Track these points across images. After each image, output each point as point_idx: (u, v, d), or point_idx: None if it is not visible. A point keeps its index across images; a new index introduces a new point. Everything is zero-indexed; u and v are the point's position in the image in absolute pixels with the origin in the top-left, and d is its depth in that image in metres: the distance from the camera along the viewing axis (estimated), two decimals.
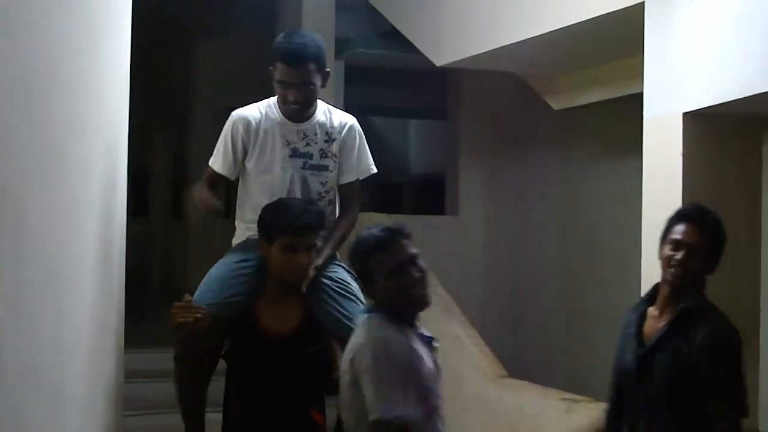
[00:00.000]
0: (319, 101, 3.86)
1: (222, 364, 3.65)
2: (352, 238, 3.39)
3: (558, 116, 8.82)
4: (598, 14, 6.02)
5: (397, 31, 8.76)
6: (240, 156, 3.78)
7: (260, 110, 3.80)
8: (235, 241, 3.86)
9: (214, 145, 3.87)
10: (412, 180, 14.67)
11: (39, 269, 2.05)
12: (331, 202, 3.86)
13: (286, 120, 3.79)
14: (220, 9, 10.40)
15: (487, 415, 6.74)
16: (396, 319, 3.07)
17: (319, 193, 3.81)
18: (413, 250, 3.09)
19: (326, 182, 3.83)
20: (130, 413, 5.44)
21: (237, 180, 3.90)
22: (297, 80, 3.68)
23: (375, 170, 4.01)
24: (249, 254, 3.67)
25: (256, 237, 3.62)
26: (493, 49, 7.21)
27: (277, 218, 3.50)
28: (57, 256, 2.31)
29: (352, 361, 3.01)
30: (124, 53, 3.89)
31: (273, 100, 3.84)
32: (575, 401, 6.11)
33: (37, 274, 2.03)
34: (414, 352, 3.03)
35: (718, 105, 4.84)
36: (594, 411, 5.93)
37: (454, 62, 7.98)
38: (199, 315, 3.44)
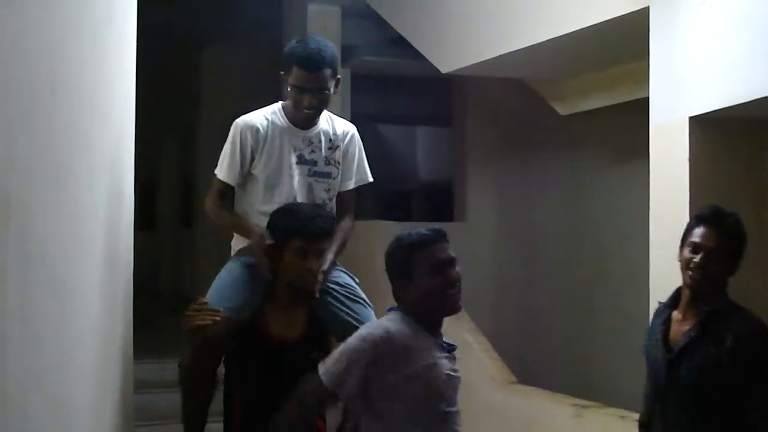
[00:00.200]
0: None
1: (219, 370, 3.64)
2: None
3: (564, 121, 8.82)
4: (603, 19, 6.03)
5: (402, 38, 8.77)
6: (247, 163, 3.78)
7: (266, 117, 3.81)
8: (237, 245, 3.85)
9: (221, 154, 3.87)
10: (421, 187, 14.66)
11: (45, 280, 2.05)
12: (332, 209, 3.88)
13: (293, 126, 3.81)
14: (226, 18, 10.43)
15: (496, 421, 6.74)
16: (418, 322, 3.11)
17: (323, 201, 3.83)
18: (453, 254, 3.16)
19: (329, 189, 3.86)
20: (140, 424, 5.45)
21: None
22: (314, 85, 3.69)
23: (371, 179, 4.04)
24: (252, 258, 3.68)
25: None
26: (498, 56, 7.22)
27: (290, 223, 3.50)
28: (63, 266, 2.31)
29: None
30: (130, 63, 3.90)
31: (277, 106, 3.85)
32: (584, 407, 6.10)
33: (44, 285, 2.04)
34: (417, 354, 3.05)
35: (724, 109, 4.84)
36: (603, 416, 5.93)
37: (460, 69, 7.99)
38: (217, 318, 3.43)
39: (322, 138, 3.85)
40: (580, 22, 6.25)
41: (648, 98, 5.41)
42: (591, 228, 9.30)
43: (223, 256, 3.99)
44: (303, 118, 3.79)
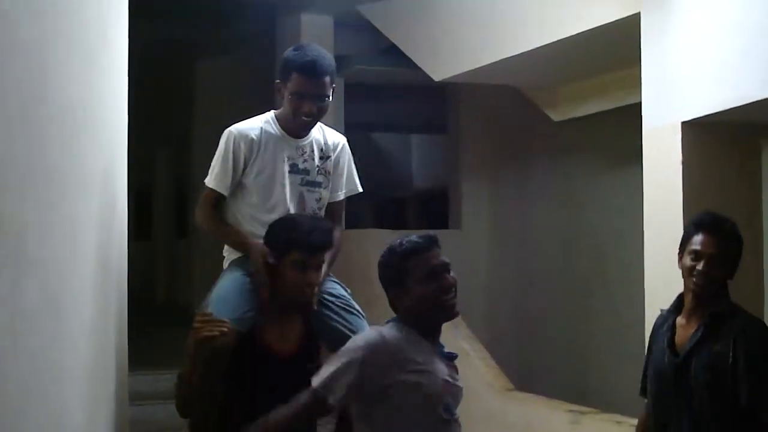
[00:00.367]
0: None
1: None
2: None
3: (558, 128, 8.85)
4: (595, 25, 6.05)
5: (395, 47, 8.79)
6: (240, 172, 3.75)
7: (258, 125, 3.79)
8: (229, 254, 3.84)
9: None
10: (415, 195, 14.67)
11: (39, 293, 2.05)
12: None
13: (286, 135, 3.80)
14: (220, 29, 10.45)
15: (494, 429, 6.74)
16: (416, 330, 3.11)
17: (314, 210, 3.83)
18: (447, 260, 3.16)
19: (320, 199, 3.86)
20: None
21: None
22: (315, 92, 3.69)
23: (361, 189, 4.04)
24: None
25: None
26: (490, 63, 7.25)
27: (289, 235, 3.49)
28: (57, 279, 2.31)
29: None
30: (122, 75, 3.90)
31: (270, 115, 3.84)
32: (582, 413, 6.11)
33: (37, 299, 2.03)
34: (412, 359, 3.05)
35: (716, 113, 4.86)
36: (600, 422, 5.94)
37: (453, 77, 8.01)
38: (224, 329, 3.40)
39: (315, 147, 3.85)
40: (572, 28, 6.27)
41: (640, 103, 5.43)
42: (586, 233, 9.31)
43: (217, 266, 3.98)
44: (300, 126, 3.78)
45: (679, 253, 3.68)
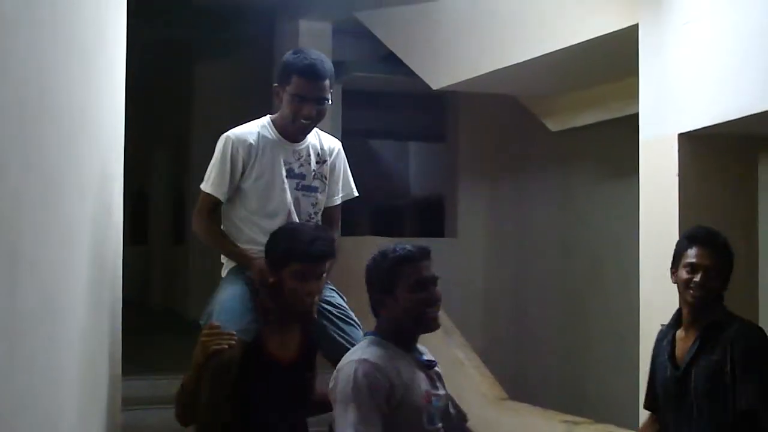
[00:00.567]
0: None
1: None
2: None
3: (555, 137, 8.86)
4: (593, 36, 6.06)
5: (393, 54, 8.80)
6: (237, 177, 3.73)
7: (255, 130, 3.78)
8: (228, 262, 3.81)
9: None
10: (412, 203, 14.68)
11: (34, 298, 2.05)
12: (318, 223, 3.87)
13: (283, 140, 3.79)
14: (218, 33, 10.46)
15: None
16: (395, 342, 3.09)
17: (309, 215, 3.82)
18: (436, 274, 3.17)
19: (316, 203, 3.85)
20: None
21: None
22: (315, 95, 3.68)
23: (357, 193, 4.04)
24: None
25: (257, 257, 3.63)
26: (488, 72, 7.25)
27: (289, 245, 3.48)
28: (52, 284, 2.31)
29: (332, 380, 3.07)
30: (120, 79, 3.90)
31: (266, 119, 3.83)
32: (576, 423, 6.11)
33: (32, 303, 2.03)
34: (397, 378, 3.03)
35: (713, 126, 4.87)
36: None
37: (451, 85, 8.02)
38: (232, 341, 3.39)
39: (311, 152, 3.84)
40: (570, 39, 6.28)
41: (638, 114, 5.44)
42: (582, 243, 9.32)
43: (214, 271, 3.97)
44: (299, 129, 3.76)
45: (672, 268, 3.75)
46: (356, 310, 3.82)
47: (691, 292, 3.62)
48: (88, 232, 2.99)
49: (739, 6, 4.74)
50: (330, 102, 3.77)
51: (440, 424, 3.14)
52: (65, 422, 2.52)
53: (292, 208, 3.76)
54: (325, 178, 3.88)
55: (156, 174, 14.73)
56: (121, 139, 4.01)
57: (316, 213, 3.86)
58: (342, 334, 3.68)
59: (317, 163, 3.86)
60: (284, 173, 3.77)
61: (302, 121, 3.72)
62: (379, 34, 8.94)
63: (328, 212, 3.94)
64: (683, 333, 3.71)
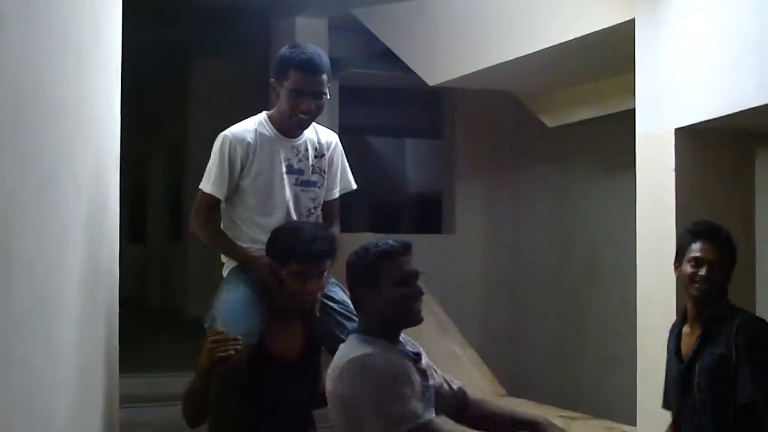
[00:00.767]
0: None
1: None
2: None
3: (552, 133, 8.86)
4: (590, 32, 6.06)
5: (390, 51, 8.80)
6: (236, 176, 3.73)
7: (252, 127, 3.77)
8: (229, 261, 3.80)
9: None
10: (409, 199, 14.69)
11: (29, 297, 2.05)
12: (318, 219, 3.87)
13: (280, 136, 3.78)
14: (214, 32, 10.45)
15: None
16: (380, 337, 3.09)
17: (309, 210, 3.81)
18: (417, 268, 3.16)
19: (315, 198, 3.85)
20: None
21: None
22: (313, 89, 3.68)
23: (355, 186, 4.03)
24: (253, 276, 3.65)
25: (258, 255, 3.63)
26: (485, 68, 7.25)
27: (289, 245, 3.48)
28: (47, 284, 2.30)
29: (336, 382, 3.02)
30: (115, 79, 3.89)
31: (262, 116, 3.82)
32: (573, 419, 6.11)
33: (27, 302, 2.03)
34: (405, 362, 3.05)
35: (710, 120, 4.87)
36: (591, 428, 5.94)
37: (447, 81, 8.02)
38: (238, 347, 3.38)
39: (309, 147, 3.84)
40: (567, 34, 6.28)
41: (634, 110, 5.44)
42: (579, 239, 9.32)
43: (212, 269, 3.97)
44: (297, 124, 3.76)
45: (675, 263, 3.80)
46: None
47: (697, 285, 3.67)
48: (83, 232, 2.98)
49: (736, 0, 4.74)
50: (328, 96, 3.76)
51: (433, 413, 3.12)
52: (60, 421, 2.52)
53: (291, 204, 3.76)
54: (324, 172, 3.88)
55: (153, 172, 14.72)
56: (118, 137, 3.99)
57: (315, 207, 3.85)
58: (344, 330, 3.68)
59: (315, 157, 3.85)
60: (284, 169, 3.76)
61: (300, 115, 3.71)
62: (376, 30, 8.93)
63: (328, 206, 3.94)
64: (688, 328, 3.78)
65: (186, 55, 12.04)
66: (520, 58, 6.81)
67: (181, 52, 11.88)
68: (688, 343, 3.74)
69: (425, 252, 8.49)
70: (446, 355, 7.03)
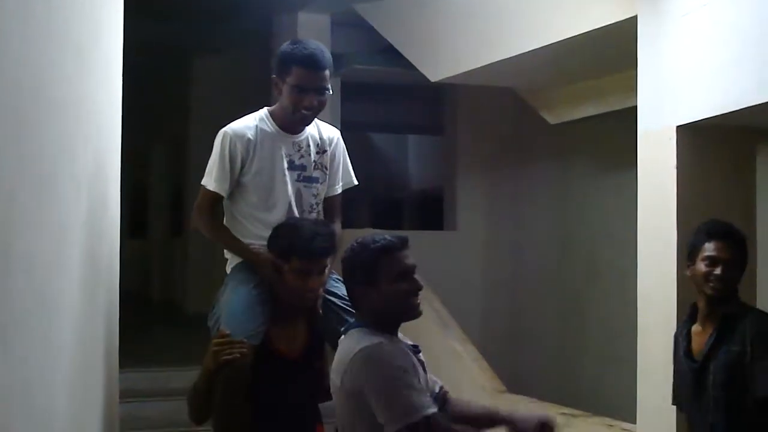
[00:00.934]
0: None
1: None
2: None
3: (554, 130, 8.85)
4: (592, 28, 6.06)
5: (392, 47, 8.79)
6: (237, 172, 3.73)
7: (253, 123, 3.77)
8: (232, 258, 3.81)
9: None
10: (411, 195, 14.69)
11: (29, 297, 2.05)
12: (319, 214, 3.87)
13: (282, 132, 3.78)
14: (216, 28, 10.45)
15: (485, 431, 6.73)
16: (381, 330, 3.08)
17: (311, 206, 3.82)
18: (415, 262, 3.15)
19: (317, 194, 3.85)
20: None
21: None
22: (315, 85, 3.68)
23: (356, 182, 4.04)
24: (257, 275, 3.65)
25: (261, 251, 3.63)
26: (486, 65, 7.24)
27: (290, 242, 3.48)
28: (47, 281, 2.30)
29: (344, 375, 3.02)
30: (116, 75, 3.89)
31: (264, 112, 3.82)
32: (573, 416, 6.11)
33: (27, 302, 2.03)
34: (410, 354, 3.05)
35: (711, 117, 4.86)
36: (591, 425, 5.94)
37: (449, 78, 8.01)
38: (243, 349, 3.38)
39: (311, 143, 3.84)
40: (569, 31, 6.27)
41: (636, 107, 5.43)
42: (581, 236, 9.32)
43: (214, 264, 3.97)
44: (299, 120, 3.76)
45: (688, 262, 3.85)
46: None
47: (711, 284, 3.72)
48: (83, 229, 2.98)
49: None
50: (330, 92, 3.76)
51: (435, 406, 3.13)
52: (60, 421, 2.52)
53: (293, 201, 3.76)
54: (326, 168, 3.88)
55: (155, 168, 14.73)
56: (119, 134, 3.99)
57: (317, 203, 3.86)
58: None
59: (317, 153, 3.85)
60: (285, 165, 3.76)
61: (303, 111, 3.71)
62: (378, 26, 8.93)
63: (329, 202, 3.94)
64: (699, 327, 3.81)
65: (187, 51, 12.03)
66: (522, 54, 6.80)
67: (183, 49, 11.88)
68: (699, 343, 3.77)
69: (427, 248, 8.50)
70: (446, 351, 7.03)
